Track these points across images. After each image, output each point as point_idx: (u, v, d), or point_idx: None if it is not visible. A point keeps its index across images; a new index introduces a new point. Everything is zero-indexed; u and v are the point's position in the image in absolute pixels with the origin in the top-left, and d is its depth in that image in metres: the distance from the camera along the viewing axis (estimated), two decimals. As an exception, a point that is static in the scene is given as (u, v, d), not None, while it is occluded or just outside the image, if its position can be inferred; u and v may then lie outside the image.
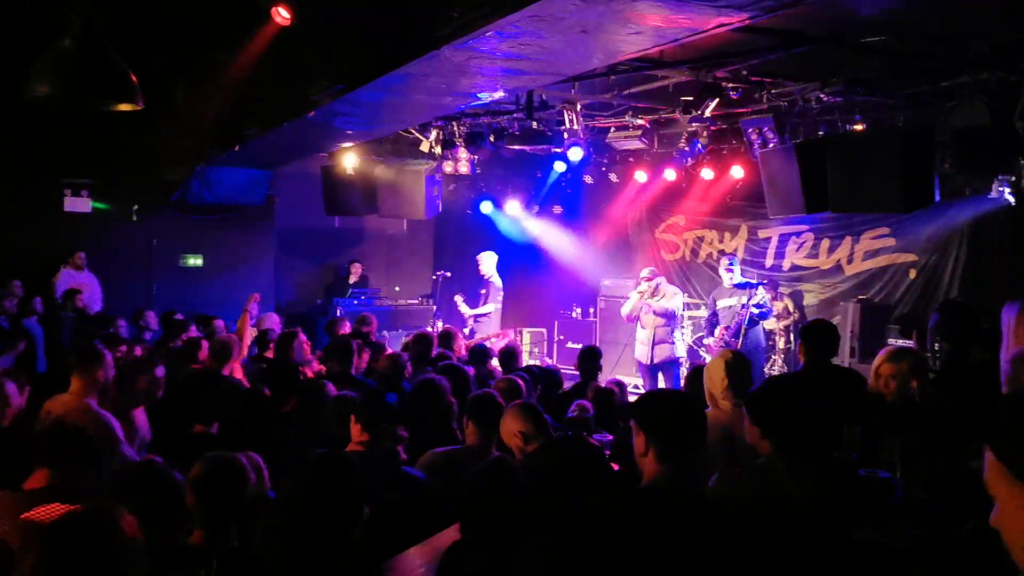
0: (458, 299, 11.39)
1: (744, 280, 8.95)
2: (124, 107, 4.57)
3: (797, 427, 3.09)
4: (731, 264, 8.88)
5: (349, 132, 8.62)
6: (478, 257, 11.36)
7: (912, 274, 9.77)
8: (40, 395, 4.71)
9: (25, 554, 2.46)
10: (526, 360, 12.18)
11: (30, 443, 3.44)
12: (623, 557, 2.35)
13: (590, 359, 6.40)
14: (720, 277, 9.18)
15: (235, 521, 2.86)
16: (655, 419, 2.58)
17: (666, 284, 9.32)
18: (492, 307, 11.03)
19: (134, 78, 4.47)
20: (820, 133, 8.48)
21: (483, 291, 11.24)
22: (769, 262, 11.51)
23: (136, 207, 11.43)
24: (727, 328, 8.51)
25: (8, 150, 9.78)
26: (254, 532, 2.87)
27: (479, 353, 6.83)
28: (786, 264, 11.31)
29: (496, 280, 11.17)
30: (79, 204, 10.98)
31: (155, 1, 5.80)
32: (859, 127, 8.05)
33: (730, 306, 8.63)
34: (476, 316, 11.12)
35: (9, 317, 8.56)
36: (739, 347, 8.35)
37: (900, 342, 8.40)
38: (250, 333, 7.70)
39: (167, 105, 8.49)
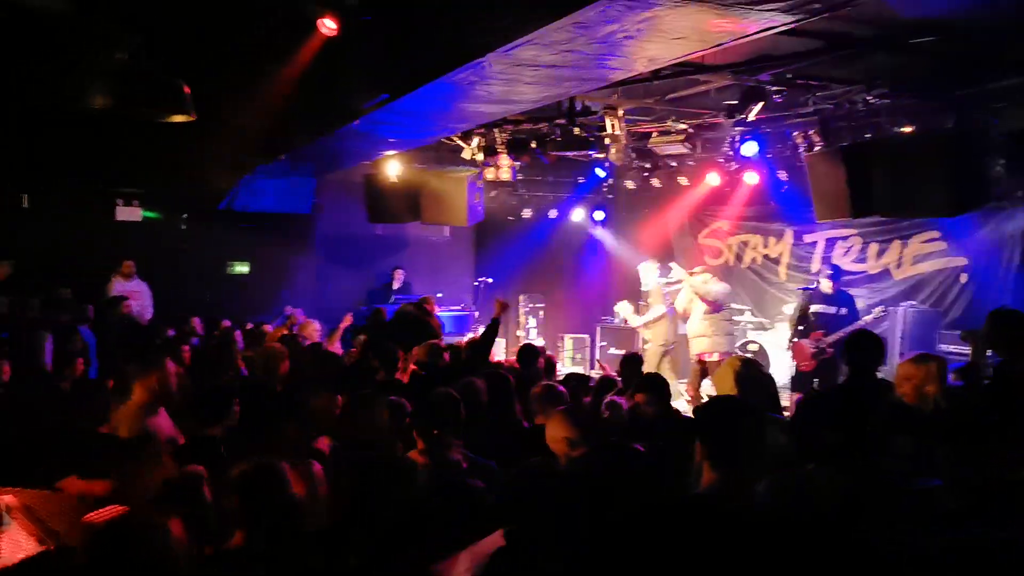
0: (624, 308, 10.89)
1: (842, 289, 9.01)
2: (178, 118, 4.68)
3: (835, 439, 3.06)
4: (832, 275, 8.82)
5: (392, 140, 8.71)
6: (637, 268, 10.85)
7: (963, 279, 9.55)
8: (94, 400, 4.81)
9: (81, 554, 2.54)
10: (568, 367, 12.25)
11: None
12: (656, 563, 2.36)
13: (632, 366, 6.36)
14: (817, 283, 9.06)
15: (275, 523, 2.91)
16: (706, 426, 2.62)
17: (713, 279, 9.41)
18: (660, 310, 10.30)
19: (187, 89, 4.58)
20: (867, 136, 8.36)
21: (648, 302, 10.72)
22: (815, 267, 11.33)
23: (185, 215, 11.67)
24: (824, 334, 8.49)
25: (62, 160, 10.03)
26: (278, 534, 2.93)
27: (527, 352, 6.81)
28: (832, 269, 11.14)
29: (658, 290, 10.54)
30: (130, 213, 11.25)
31: (203, 13, 5.92)
32: (907, 130, 7.92)
33: (830, 313, 8.62)
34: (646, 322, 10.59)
35: (62, 324, 8.74)
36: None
37: (952, 348, 8.26)
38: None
39: (215, 115, 8.66)
